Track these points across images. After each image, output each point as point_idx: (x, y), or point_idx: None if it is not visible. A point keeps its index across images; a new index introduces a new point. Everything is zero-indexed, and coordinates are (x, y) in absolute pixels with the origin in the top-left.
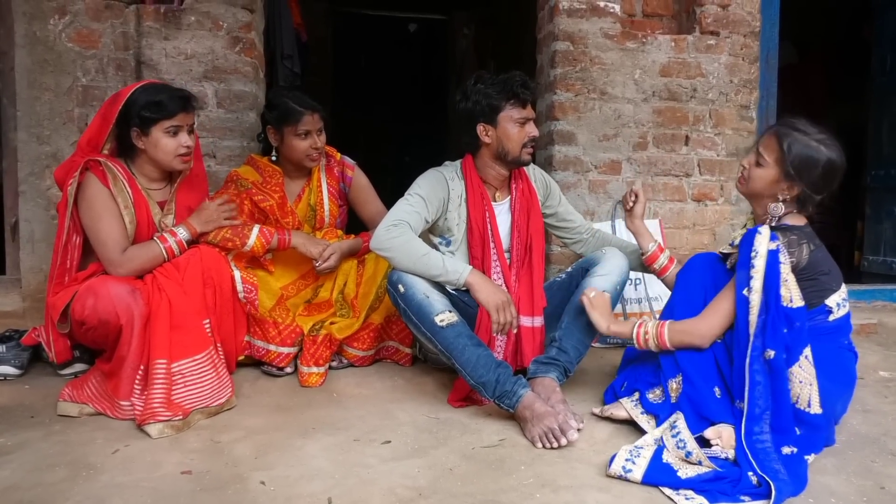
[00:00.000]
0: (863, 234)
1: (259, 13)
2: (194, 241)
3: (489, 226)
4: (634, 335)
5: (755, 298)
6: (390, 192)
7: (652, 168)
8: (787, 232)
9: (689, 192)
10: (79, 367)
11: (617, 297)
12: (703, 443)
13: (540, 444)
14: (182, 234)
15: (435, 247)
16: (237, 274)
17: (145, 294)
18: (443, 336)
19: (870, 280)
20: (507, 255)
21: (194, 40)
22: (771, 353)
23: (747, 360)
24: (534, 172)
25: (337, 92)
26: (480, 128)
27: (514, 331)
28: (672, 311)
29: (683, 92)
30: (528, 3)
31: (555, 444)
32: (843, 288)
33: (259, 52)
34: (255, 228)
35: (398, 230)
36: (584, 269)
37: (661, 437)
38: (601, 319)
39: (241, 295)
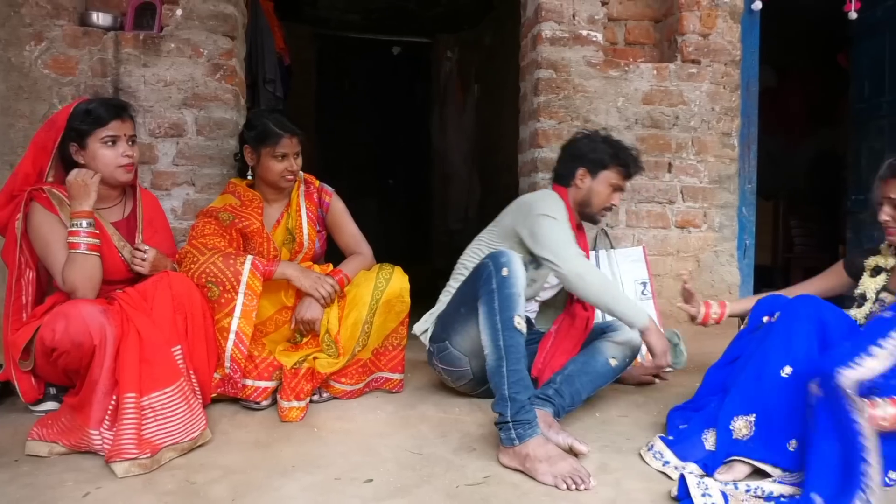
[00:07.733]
0: (844, 256)
1: (240, 40)
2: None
3: None
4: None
5: None
6: (373, 214)
7: (635, 195)
8: None
9: (672, 218)
10: (52, 405)
11: (622, 368)
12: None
13: (564, 486)
14: (83, 223)
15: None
16: (229, 346)
17: (116, 316)
18: (510, 335)
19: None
20: None
21: (174, 67)
22: None
23: None
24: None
25: (320, 114)
26: (581, 171)
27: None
28: (768, 362)
29: (666, 119)
30: (512, 27)
31: (573, 487)
32: None
33: (240, 79)
34: (248, 260)
35: (590, 264)
36: (601, 331)
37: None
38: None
39: (226, 369)
